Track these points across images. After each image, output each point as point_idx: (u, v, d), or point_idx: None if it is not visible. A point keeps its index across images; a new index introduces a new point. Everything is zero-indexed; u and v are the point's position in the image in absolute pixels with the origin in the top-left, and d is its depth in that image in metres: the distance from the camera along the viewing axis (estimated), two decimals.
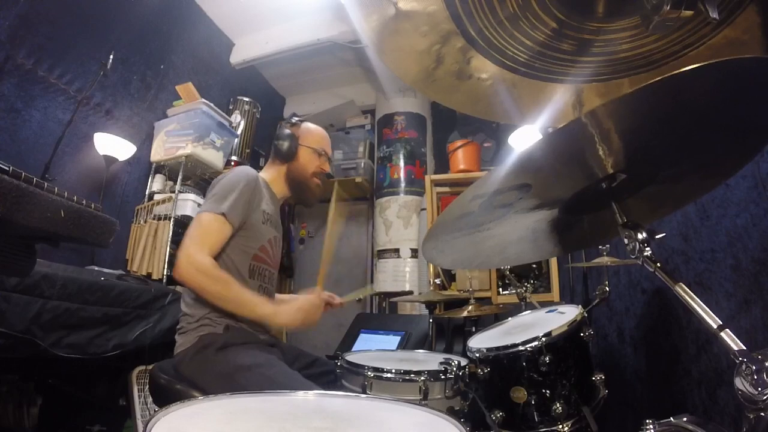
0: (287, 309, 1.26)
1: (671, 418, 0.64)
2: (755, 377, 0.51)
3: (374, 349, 1.78)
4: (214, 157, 2.73)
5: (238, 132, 3.06)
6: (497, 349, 1.16)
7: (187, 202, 2.56)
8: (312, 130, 1.53)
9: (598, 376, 1.13)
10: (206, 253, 1.19)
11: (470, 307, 1.67)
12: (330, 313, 1.51)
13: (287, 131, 1.47)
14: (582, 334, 1.16)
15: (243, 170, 1.35)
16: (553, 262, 2.57)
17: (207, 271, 1.17)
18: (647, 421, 0.64)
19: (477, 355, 1.20)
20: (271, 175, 1.48)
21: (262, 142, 3.42)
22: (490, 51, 0.79)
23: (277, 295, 1.55)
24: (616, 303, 1.89)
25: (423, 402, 1.15)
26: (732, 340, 0.55)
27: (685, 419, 0.62)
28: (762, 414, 0.51)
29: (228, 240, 1.26)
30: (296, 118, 1.53)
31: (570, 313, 1.24)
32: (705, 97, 0.58)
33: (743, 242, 1.11)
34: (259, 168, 1.57)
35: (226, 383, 1.10)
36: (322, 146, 1.51)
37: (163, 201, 2.56)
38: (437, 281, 2.44)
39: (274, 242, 1.44)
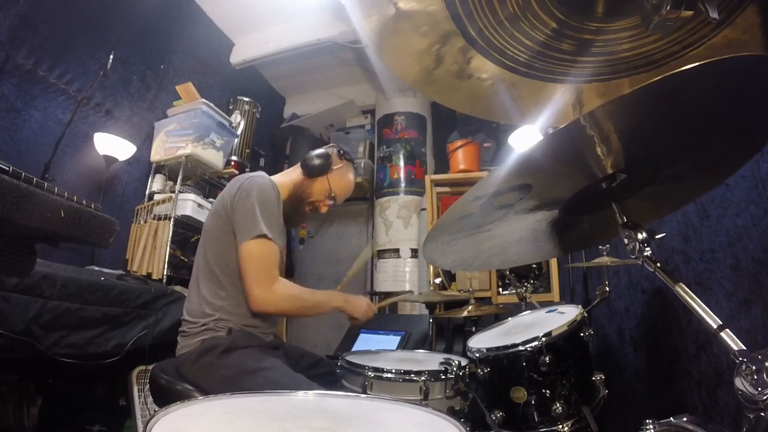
0: (356, 302, 1.41)
1: (671, 418, 0.64)
2: (755, 377, 0.51)
3: (374, 349, 1.78)
4: (214, 157, 2.73)
5: (238, 132, 3.06)
6: (497, 349, 1.16)
7: (187, 202, 2.56)
8: (346, 173, 1.52)
9: (598, 376, 1.13)
10: (274, 278, 1.24)
11: (470, 307, 1.66)
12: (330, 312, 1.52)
13: (331, 153, 1.47)
14: (582, 334, 1.16)
15: (266, 183, 1.33)
16: (553, 262, 2.57)
17: (283, 296, 1.25)
18: (647, 421, 0.64)
19: (477, 355, 1.20)
20: (288, 179, 1.47)
21: (262, 142, 3.42)
22: (490, 51, 0.79)
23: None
24: (616, 303, 1.89)
25: (423, 402, 1.15)
26: (732, 340, 0.55)
27: (685, 419, 0.62)
28: (762, 414, 0.51)
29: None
30: (347, 153, 1.54)
31: (570, 313, 1.24)
32: (704, 96, 0.58)
33: (743, 242, 1.11)
34: (257, 168, 1.58)
35: (229, 387, 1.09)
36: (339, 192, 1.50)
37: (163, 201, 2.56)
38: (437, 281, 2.44)
39: (283, 248, 1.45)
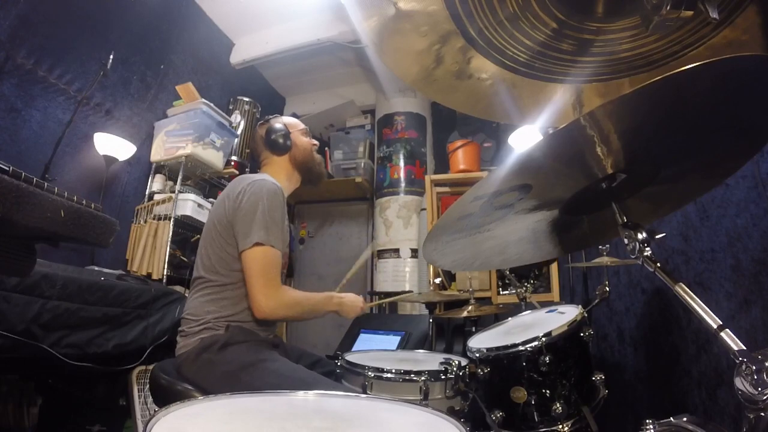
0: (349, 306, 1.46)
1: (671, 418, 0.64)
2: (755, 377, 0.51)
3: (374, 349, 1.78)
4: (214, 157, 2.72)
5: (238, 132, 3.06)
6: (497, 349, 1.16)
7: (187, 202, 2.56)
8: (288, 119, 1.63)
9: (598, 376, 1.13)
10: (277, 285, 1.27)
11: (470, 307, 1.66)
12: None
13: (279, 125, 1.53)
14: (582, 334, 1.16)
15: (271, 188, 1.34)
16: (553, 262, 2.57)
17: (286, 303, 1.28)
18: (647, 421, 0.64)
19: (477, 355, 1.20)
20: (275, 172, 1.50)
21: None
22: (490, 51, 0.79)
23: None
24: (616, 303, 1.89)
25: (423, 402, 1.15)
26: (732, 340, 0.55)
27: (685, 419, 0.62)
28: (762, 414, 0.51)
29: None
30: (267, 117, 1.62)
31: (570, 313, 1.24)
32: (704, 96, 0.58)
33: (743, 242, 1.11)
34: (257, 168, 1.58)
35: (230, 382, 1.10)
36: (303, 127, 1.62)
37: (163, 201, 2.56)
38: (437, 281, 2.44)
39: (286, 248, 1.46)
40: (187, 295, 2.16)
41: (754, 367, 0.52)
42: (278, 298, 1.25)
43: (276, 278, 1.27)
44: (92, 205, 0.93)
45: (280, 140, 1.50)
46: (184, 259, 2.54)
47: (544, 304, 1.65)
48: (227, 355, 1.17)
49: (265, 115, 1.65)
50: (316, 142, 1.62)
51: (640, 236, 0.68)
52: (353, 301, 1.48)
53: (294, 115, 4.05)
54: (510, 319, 1.50)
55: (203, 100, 2.65)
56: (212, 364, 1.17)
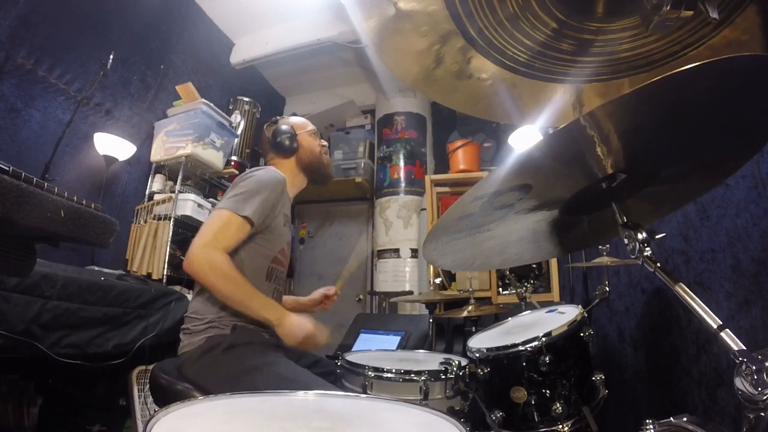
0: (291, 323, 1.21)
1: (671, 418, 0.64)
2: (755, 377, 0.51)
3: (374, 349, 1.78)
4: (214, 157, 2.73)
5: (238, 132, 3.06)
6: (497, 349, 1.16)
7: (187, 202, 2.56)
8: (297, 119, 1.62)
9: (598, 376, 1.13)
10: (221, 250, 1.19)
11: (470, 307, 1.67)
12: (330, 312, 1.52)
13: (285, 127, 1.53)
14: (582, 334, 1.16)
15: (272, 173, 1.35)
16: (553, 262, 2.57)
17: (220, 269, 1.17)
18: (647, 421, 0.64)
19: (477, 355, 1.20)
20: (287, 171, 1.49)
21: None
22: (490, 51, 0.79)
23: (287, 298, 1.61)
24: (616, 303, 1.89)
25: (423, 402, 1.15)
26: (732, 340, 0.55)
27: (685, 419, 0.62)
28: (762, 414, 0.51)
29: (245, 242, 1.27)
30: (276, 118, 1.62)
31: (570, 313, 1.24)
32: (704, 96, 0.58)
33: (743, 242, 1.11)
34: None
35: (234, 384, 1.09)
36: (312, 128, 1.61)
37: (163, 201, 2.56)
38: (437, 281, 2.44)
39: (289, 243, 1.46)
40: (186, 294, 2.17)
41: (754, 367, 0.52)
42: (214, 259, 1.15)
43: (223, 243, 1.18)
44: (92, 205, 0.93)
45: (286, 142, 1.50)
46: (184, 259, 2.54)
47: (544, 304, 1.65)
48: (232, 357, 1.17)
49: (264, 116, 1.65)
50: (325, 143, 1.61)
51: (640, 236, 0.68)
52: (299, 324, 1.20)
53: (294, 116, 4.06)
54: (510, 319, 1.50)
55: (203, 100, 2.65)
56: (216, 364, 1.16)
